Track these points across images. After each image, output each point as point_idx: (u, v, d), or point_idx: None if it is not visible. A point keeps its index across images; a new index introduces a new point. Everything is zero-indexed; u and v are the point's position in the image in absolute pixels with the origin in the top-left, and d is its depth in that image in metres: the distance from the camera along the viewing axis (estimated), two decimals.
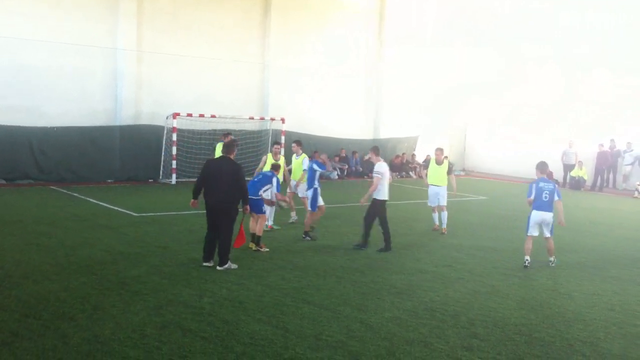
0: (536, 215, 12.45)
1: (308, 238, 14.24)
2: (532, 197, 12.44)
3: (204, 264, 11.27)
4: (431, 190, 16.29)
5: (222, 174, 11.09)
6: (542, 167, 12.89)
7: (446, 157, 17.36)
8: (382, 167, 13.58)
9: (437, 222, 16.37)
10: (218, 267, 11.06)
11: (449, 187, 16.23)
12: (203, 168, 11.55)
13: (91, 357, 6.93)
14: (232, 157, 11.41)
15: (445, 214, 16.12)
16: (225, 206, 11.11)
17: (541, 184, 12.49)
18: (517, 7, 33.33)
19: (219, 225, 11.16)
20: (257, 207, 12.87)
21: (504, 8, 34.03)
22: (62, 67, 23.48)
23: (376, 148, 14.01)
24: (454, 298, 9.95)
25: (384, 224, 13.55)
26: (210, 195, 11.18)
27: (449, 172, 16.27)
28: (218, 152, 20.27)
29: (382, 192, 13.45)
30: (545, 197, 12.32)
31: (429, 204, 16.56)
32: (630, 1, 29.17)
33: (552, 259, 12.61)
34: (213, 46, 26.93)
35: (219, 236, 11.15)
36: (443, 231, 15.94)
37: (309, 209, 14.43)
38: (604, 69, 29.57)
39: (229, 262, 11.15)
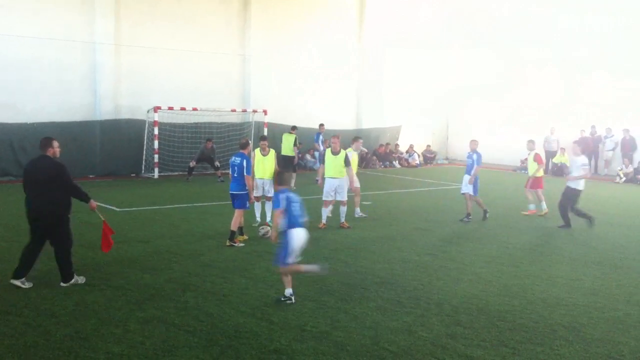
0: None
1: (466, 219, 16.00)
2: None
3: (12, 281, 9.26)
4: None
5: (38, 178, 9.25)
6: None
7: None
8: (587, 160, 15.80)
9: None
10: (62, 284, 9.45)
11: None
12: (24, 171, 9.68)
13: (74, 354, 6.88)
14: (50, 154, 9.46)
15: None
16: (47, 215, 9.32)
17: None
18: (516, 10, 33.19)
19: (48, 238, 9.50)
20: (241, 202, 12.69)
21: (502, 11, 33.88)
22: (39, 62, 23.19)
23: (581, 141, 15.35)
24: (437, 286, 9.99)
25: (567, 207, 15.48)
26: (29, 202, 9.35)
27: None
28: (285, 143, 22.81)
29: (583, 183, 15.45)
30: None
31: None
32: (629, 4, 29.21)
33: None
34: (193, 38, 26.70)
35: (55, 251, 9.54)
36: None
37: (472, 193, 16.08)
38: (603, 72, 29.58)
39: (75, 276, 9.59)
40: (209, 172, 24.94)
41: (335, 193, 14.85)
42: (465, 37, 35.23)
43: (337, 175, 14.77)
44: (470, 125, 34.43)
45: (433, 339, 7.66)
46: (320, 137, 25.68)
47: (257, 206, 14.63)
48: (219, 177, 23.24)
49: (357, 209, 16.45)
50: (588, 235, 14.96)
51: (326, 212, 15.01)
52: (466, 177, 16.33)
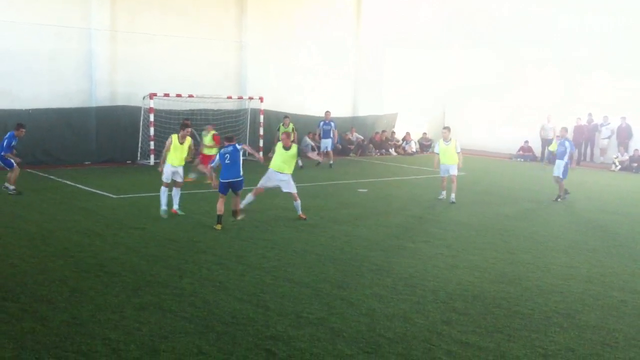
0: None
1: (561, 199, 17.85)
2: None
3: None
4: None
5: None
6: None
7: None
8: None
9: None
10: None
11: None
12: None
13: (71, 339, 6.89)
14: None
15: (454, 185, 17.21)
16: None
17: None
18: (516, 10, 33.00)
19: None
20: (240, 186, 13.40)
21: (502, 11, 33.66)
22: (34, 49, 23.01)
23: None
24: (433, 273, 10.02)
25: None
26: None
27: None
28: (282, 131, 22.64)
29: None
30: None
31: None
32: (629, 4, 29.14)
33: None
34: (189, 25, 26.52)
35: None
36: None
37: (562, 177, 17.75)
38: (603, 72, 29.53)
39: None
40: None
41: (280, 187, 14.14)
42: (465, 37, 34.95)
43: (284, 170, 14.00)
44: (471, 125, 34.38)
45: (429, 325, 7.70)
46: (321, 124, 25.82)
47: (164, 191, 14.01)
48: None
49: (452, 195, 17.11)
50: (583, 222, 15.01)
51: (251, 198, 14.11)
52: (558, 162, 17.96)
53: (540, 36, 31.61)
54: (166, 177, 14.04)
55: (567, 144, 18.04)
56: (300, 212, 14.18)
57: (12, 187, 16.43)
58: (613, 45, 29.25)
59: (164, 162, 14.19)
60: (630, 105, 28.73)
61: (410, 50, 34.09)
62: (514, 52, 32.93)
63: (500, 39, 33.53)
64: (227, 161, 13.13)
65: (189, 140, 14.35)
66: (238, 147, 13.41)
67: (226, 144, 13.59)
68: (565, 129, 18.93)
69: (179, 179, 14.28)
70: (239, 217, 13.51)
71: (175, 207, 14.34)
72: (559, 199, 17.89)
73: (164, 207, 13.87)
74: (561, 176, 17.84)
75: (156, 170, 14.48)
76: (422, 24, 34.64)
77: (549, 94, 31.61)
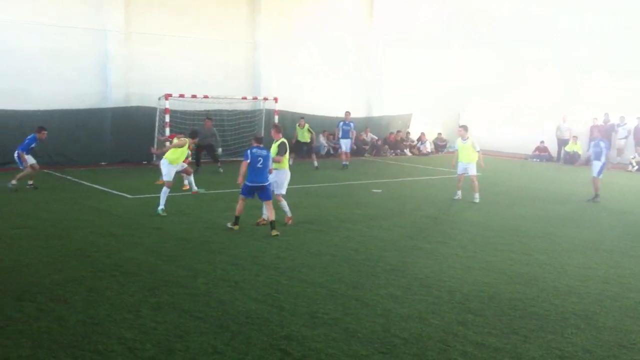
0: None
1: (598, 199, 17.98)
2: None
3: None
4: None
5: None
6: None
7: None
8: None
9: None
10: None
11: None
12: None
13: (87, 339, 6.93)
14: None
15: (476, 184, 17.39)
16: None
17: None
18: (516, 10, 32.95)
19: None
20: (269, 194, 12.70)
21: (502, 11, 33.61)
22: (49, 50, 23.23)
23: None
24: (449, 274, 9.97)
25: None
26: None
27: None
28: (298, 132, 24.58)
29: None
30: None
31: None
32: (629, 4, 28.99)
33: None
34: (203, 26, 26.66)
35: None
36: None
37: (595, 175, 18.00)
38: (603, 72, 29.42)
39: None
40: (221, 160, 24.77)
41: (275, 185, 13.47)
42: (465, 37, 34.84)
43: (275, 165, 13.38)
44: (471, 125, 34.25)
45: (444, 326, 7.66)
46: (340, 124, 25.70)
47: (167, 191, 14.39)
48: (219, 166, 22.69)
49: (476, 195, 17.31)
50: (600, 223, 14.89)
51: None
52: (595, 163, 18.26)
53: (540, 36, 31.53)
54: (169, 177, 14.76)
55: (602, 144, 18.24)
56: (288, 215, 13.47)
57: (14, 181, 16.93)
58: (613, 45, 29.10)
59: (159, 146, 15.13)
60: (630, 106, 28.55)
61: (424, 50, 33.99)
62: (514, 52, 32.87)
63: (500, 39, 33.47)
64: (259, 165, 12.50)
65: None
66: (271, 157, 12.83)
67: (255, 144, 12.82)
68: (596, 130, 19.21)
69: (181, 168, 15.79)
70: (274, 233, 12.35)
71: (195, 189, 17.25)
72: (596, 199, 18.07)
73: (162, 206, 14.25)
74: (596, 175, 18.05)
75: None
76: (425, 24, 34.57)
77: (549, 94, 31.57)
